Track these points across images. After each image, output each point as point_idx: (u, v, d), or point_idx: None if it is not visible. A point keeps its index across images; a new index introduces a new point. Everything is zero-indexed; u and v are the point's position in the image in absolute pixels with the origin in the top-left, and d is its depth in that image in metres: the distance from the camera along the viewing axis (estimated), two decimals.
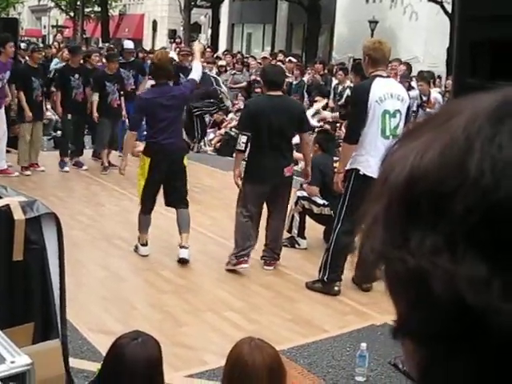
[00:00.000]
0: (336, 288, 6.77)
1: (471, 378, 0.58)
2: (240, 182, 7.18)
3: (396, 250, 0.59)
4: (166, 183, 7.43)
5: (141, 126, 7.67)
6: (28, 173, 11.44)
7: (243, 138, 7.06)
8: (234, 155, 7.58)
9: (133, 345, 2.94)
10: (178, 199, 7.49)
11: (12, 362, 2.44)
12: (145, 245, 7.61)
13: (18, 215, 4.16)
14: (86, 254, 7.56)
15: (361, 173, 6.31)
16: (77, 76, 12.07)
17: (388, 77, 6.87)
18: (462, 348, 0.57)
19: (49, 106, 14.42)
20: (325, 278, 6.75)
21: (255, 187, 7.11)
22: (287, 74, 16.08)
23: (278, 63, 17.13)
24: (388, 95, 6.38)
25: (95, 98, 12.12)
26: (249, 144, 7.07)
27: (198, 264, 7.51)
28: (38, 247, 4.28)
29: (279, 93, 7.25)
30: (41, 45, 23.73)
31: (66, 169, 11.90)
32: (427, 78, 13.04)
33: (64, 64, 13.33)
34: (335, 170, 7.36)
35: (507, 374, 0.56)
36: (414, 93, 11.58)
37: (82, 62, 12.69)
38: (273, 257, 7.48)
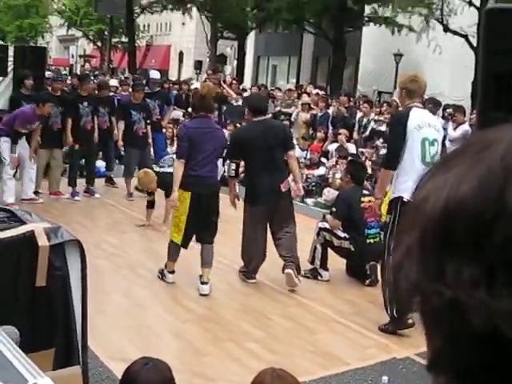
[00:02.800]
0: (410, 321, 6.39)
1: None
2: (236, 203, 7.82)
3: (432, 283, 0.58)
4: (202, 217, 7.40)
5: (187, 153, 7.44)
6: (40, 200, 11.43)
7: (233, 166, 7.80)
8: (229, 182, 8.10)
9: (146, 369, 2.96)
10: (207, 235, 7.48)
11: None
12: (172, 272, 7.64)
13: (43, 241, 4.18)
14: (109, 282, 7.58)
15: (405, 200, 6.21)
16: (86, 104, 12.05)
17: (424, 108, 6.94)
18: (496, 383, 0.57)
19: None
20: (394, 314, 6.48)
21: (256, 208, 7.55)
22: (312, 106, 16.20)
23: (304, 95, 17.27)
24: (426, 124, 6.48)
25: (121, 125, 12.28)
26: (241, 169, 7.77)
27: (220, 294, 7.49)
28: (61, 274, 4.30)
29: (263, 117, 7.75)
30: (66, 73, 23.99)
31: (77, 198, 11.89)
32: (462, 109, 13.14)
33: (76, 92, 13.20)
34: (362, 204, 7.48)
35: None
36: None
37: (97, 91, 12.81)
38: (291, 261, 7.60)
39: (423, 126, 6.44)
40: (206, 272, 7.43)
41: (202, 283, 7.39)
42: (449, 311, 0.57)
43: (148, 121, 12.42)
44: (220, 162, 8.34)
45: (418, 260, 0.60)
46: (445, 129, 11.97)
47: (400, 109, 6.99)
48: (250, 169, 7.75)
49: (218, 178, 8.07)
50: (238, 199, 7.86)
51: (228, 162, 7.89)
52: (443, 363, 0.61)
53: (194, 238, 7.58)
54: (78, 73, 29.73)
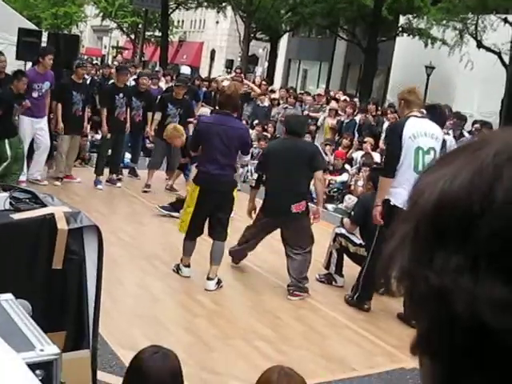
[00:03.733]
0: (366, 306, 7.29)
1: None
2: (253, 216, 7.96)
3: (421, 269, 0.61)
4: (212, 214, 7.42)
5: (198, 148, 7.58)
6: (58, 183, 11.70)
7: (255, 176, 8.12)
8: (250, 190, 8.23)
9: (154, 358, 2.98)
10: (218, 231, 7.45)
11: (41, 350, 2.51)
12: (187, 266, 7.66)
13: (62, 225, 4.24)
14: (124, 272, 7.64)
15: (391, 203, 6.64)
16: (121, 95, 12.19)
17: (423, 117, 7.11)
18: (478, 367, 0.59)
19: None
20: (355, 297, 7.34)
21: (266, 218, 7.70)
22: (339, 112, 16.19)
23: (333, 101, 17.26)
24: (421, 133, 6.75)
25: (157, 116, 12.48)
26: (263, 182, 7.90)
27: (233, 291, 7.54)
28: (78, 258, 4.35)
29: (294, 136, 7.67)
30: (97, 63, 24.14)
31: (100, 187, 12.02)
32: (490, 125, 13.14)
33: (112, 83, 13.42)
34: None
35: None
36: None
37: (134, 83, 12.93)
38: (297, 286, 7.57)
39: (418, 135, 6.72)
40: (213, 269, 7.44)
41: (208, 279, 7.43)
42: (435, 297, 0.60)
43: (188, 118, 12.48)
44: (247, 158, 8.22)
45: (410, 248, 0.64)
46: None
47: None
48: (267, 182, 7.80)
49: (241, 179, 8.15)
50: (255, 211, 7.94)
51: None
52: (428, 346, 0.64)
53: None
54: (110, 63, 29.91)
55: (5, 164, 10.03)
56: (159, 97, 13.28)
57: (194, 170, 8.16)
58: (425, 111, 10.70)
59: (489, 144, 0.63)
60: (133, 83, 14.78)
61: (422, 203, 0.64)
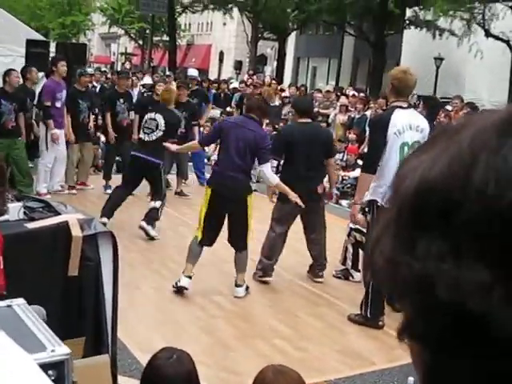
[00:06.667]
0: (380, 323, 6.73)
1: (472, 383, 0.61)
2: (274, 199, 7.86)
3: (403, 255, 0.62)
4: (229, 221, 7.26)
5: (209, 144, 7.65)
6: (74, 192, 11.81)
7: (274, 163, 7.80)
8: None
9: (169, 363, 2.94)
10: (236, 242, 7.28)
11: (52, 351, 2.56)
12: (189, 277, 7.20)
13: (76, 232, 4.28)
14: (141, 276, 7.67)
15: (379, 204, 6.32)
16: (122, 101, 12.24)
17: (409, 107, 6.76)
18: (463, 352, 0.60)
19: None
20: (368, 314, 6.76)
21: (288, 206, 7.49)
22: (350, 108, 16.19)
23: (343, 97, 17.26)
24: (407, 127, 6.41)
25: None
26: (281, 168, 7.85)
27: (251, 291, 7.54)
28: (94, 264, 4.39)
29: (309, 120, 7.79)
30: (106, 70, 24.26)
31: (109, 191, 12.04)
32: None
33: (113, 88, 13.45)
34: None
35: (506, 380, 0.59)
36: None
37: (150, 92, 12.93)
38: (322, 265, 7.94)
39: (403, 130, 6.38)
40: (239, 276, 7.36)
41: (236, 285, 7.37)
42: (418, 283, 0.61)
43: (194, 121, 12.40)
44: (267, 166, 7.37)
45: (393, 235, 0.65)
46: None
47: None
48: (288, 167, 7.75)
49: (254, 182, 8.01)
50: (276, 194, 7.91)
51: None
52: (414, 332, 0.65)
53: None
54: (119, 70, 30.03)
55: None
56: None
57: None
58: (422, 103, 10.64)
59: (466, 128, 0.64)
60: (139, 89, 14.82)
61: (403, 190, 0.65)
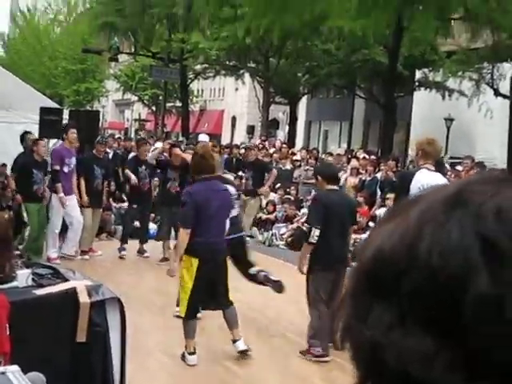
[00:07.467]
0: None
1: None
2: (305, 269, 7.54)
3: (357, 322, 0.65)
4: (211, 286, 7.10)
5: (192, 222, 7.01)
6: (87, 257, 11.97)
7: (317, 232, 7.32)
8: (304, 246, 7.77)
9: None
10: (223, 302, 7.21)
11: None
12: (193, 353, 7.07)
13: (84, 298, 4.30)
14: (152, 341, 7.64)
15: None
16: (144, 167, 12.51)
17: (435, 171, 7.12)
18: None
19: None
20: None
21: (324, 274, 7.39)
22: (361, 171, 16.27)
23: (353, 159, 17.36)
24: (430, 185, 6.51)
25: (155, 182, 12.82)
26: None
27: (262, 356, 7.48)
28: (102, 330, 4.40)
29: (336, 187, 7.88)
30: (120, 136, 24.59)
31: (124, 253, 12.29)
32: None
33: (134, 155, 13.74)
34: None
35: None
36: None
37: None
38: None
39: (427, 187, 6.54)
40: (234, 332, 7.29)
41: (234, 341, 7.29)
42: (368, 350, 0.64)
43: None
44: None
45: (351, 302, 0.68)
46: None
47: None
48: (324, 235, 7.32)
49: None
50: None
51: (310, 227, 7.53)
52: None
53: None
54: (132, 136, 30.35)
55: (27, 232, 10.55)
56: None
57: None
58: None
59: (419, 202, 0.67)
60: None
61: (362, 259, 0.68)
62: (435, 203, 0.66)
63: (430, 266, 0.61)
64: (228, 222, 7.36)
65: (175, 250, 8.19)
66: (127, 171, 12.61)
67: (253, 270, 8.54)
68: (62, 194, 11.42)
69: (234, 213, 8.04)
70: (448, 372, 0.59)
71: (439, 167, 11.32)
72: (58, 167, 11.44)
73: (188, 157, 11.98)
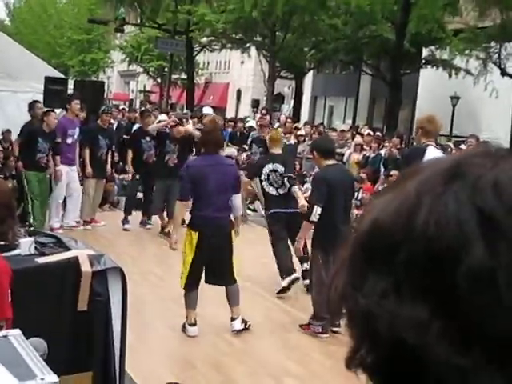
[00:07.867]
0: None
1: None
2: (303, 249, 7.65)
3: (352, 291, 0.67)
4: (213, 260, 7.06)
5: (191, 195, 7.10)
6: (89, 227, 11.99)
7: (319, 210, 7.16)
8: (304, 224, 7.52)
9: None
10: (225, 278, 7.16)
11: (41, 379, 2.60)
12: (193, 324, 7.13)
13: (86, 267, 4.32)
14: (152, 312, 7.68)
15: None
16: (148, 138, 12.38)
17: (438, 148, 7.17)
18: (404, 378, 0.64)
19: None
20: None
21: (330, 256, 7.07)
22: (365, 147, 16.23)
23: (358, 136, 17.31)
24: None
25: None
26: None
27: (262, 329, 7.52)
28: (103, 299, 4.42)
29: (335, 161, 7.72)
30: (125, 107, 24.53)
31: (127, 226, 12.21)
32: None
33: (139, 126, 13.46)
34: None
35: None
36: None
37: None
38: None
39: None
40: (234, 310, 7.27)
41: (232, 319, 7.27)
42: (362, 318, 0.66)
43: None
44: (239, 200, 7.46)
45: (347, 271, 0.69)
46: None
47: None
48: (329, 211, 7.16)
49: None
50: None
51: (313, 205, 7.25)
52: (359, 362, 0.68)
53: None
54: (137, 108, 30.30)
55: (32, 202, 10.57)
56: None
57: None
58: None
59: (418, 174, 0.68)
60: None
61: (359, 230, 0.70)
62: (433, 175, 0.67)
63: (427, 236, 0.63)
64: (235, 197, 7.21)
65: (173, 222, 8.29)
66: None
67: None
68: (59, 167, 11.43)
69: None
70: (442, 340, 0.60)
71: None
72: (59, 139, 11.43)
73: (190, 129, 12.02)
